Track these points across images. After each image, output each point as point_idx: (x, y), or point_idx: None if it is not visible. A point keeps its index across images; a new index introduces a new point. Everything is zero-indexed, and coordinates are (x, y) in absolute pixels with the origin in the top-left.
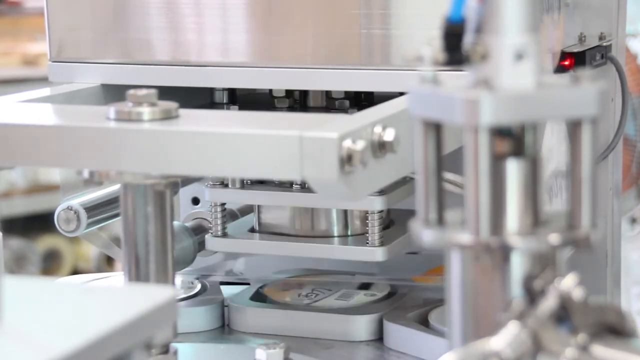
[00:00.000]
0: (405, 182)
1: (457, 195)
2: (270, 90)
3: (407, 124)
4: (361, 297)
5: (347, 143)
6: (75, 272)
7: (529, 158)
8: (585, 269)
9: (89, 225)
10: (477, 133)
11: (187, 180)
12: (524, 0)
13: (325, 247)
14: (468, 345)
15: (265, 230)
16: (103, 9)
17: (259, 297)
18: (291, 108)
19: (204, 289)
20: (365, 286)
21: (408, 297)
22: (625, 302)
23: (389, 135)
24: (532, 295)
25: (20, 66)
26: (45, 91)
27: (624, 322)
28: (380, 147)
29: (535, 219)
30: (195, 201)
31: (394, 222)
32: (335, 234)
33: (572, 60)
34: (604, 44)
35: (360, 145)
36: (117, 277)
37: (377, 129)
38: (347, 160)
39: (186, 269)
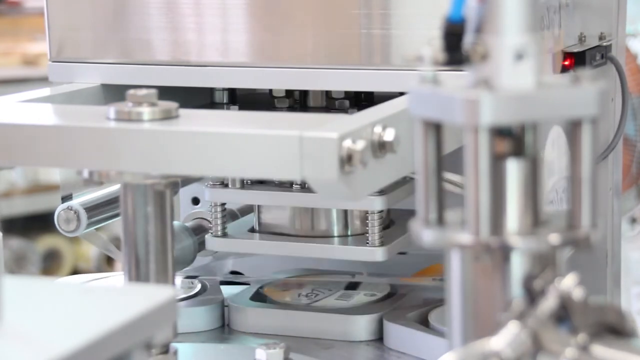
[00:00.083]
0: (405, 182)
1: (457, 195)
2: (270, 90)
3: (407, 124)
4: (361, 297)
5: (347, 143)
6: (75, 272)
7: (529, 158)
8: (585, 269)
9: (89, 225)
10: (477, 133)
11: (187, 180)
12: (524, 0)
13: (325, 247)
14: (468, 345)
15: (265, 230)
16: (103, 9)
17: (259, 297)
18: (291, 108)
19: (204, 289)
20: (352, 286)
21: (408, 297)
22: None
23: (389, 135)
24: (532, 295)
25: (20, 66)
26: (45, 91)
27: (624, 322)
28: (380, 147)
29: (535, 219)
30: (195, 201)
31: (394, 222)
32: (335, 234)
33: (572, 60)
34: (604, 44)
35: (360, 145)
36: (117, 277)
37: (377, 129)
38: (347, 160)
39: (186, 268)
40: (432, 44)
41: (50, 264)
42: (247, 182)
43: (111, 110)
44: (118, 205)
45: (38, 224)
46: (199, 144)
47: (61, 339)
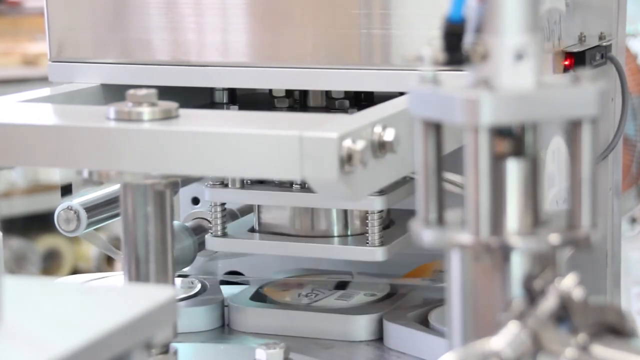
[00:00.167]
0: (405, 182)
1: (457, 195)
2: (270, 90)
3: (407, 124)
4: (361, 297)
5: (347, 143)
6: (75, 272)
7: (529, 158)
8: (585, 269)
9: (89, 225)
10: (477, 133)
11: (187, 180)
12: (524, 0)
13: (325, 247)
14: (468, 345)
15: (265, 230)
16: (103, 9)
17: (259, 297)
18: (291, 108)
19: (204, 289)
20: (341, 286)
21: (408, 297)
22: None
23: (389, 135)
24: (532, 295)
25: (20, 66)
26: (45, 91)
27: (624, 322)
28: (380, 147)
29: (535, 219)
30: (195, 201)
31: (394, 222)
32: (335, 234)
33: (572, 60)
34: (604, 44)
35: (360, 145)
36: (117, 277)
37: (377, 129)
38: (347, 160)
39: (186, 268)
40: (432, 44)
41: (50, 264)
42: (247, 182)
43: (111, 110)
44: (118, 205)
45: (38, 224)
46: (199, 144)
47: (61, 339)
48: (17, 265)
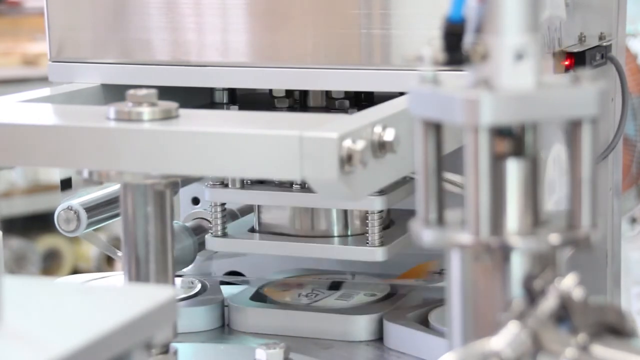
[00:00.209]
0: (405, 182)
1: (457, 195)
2: (270, 90)
3: (407, 124)
4: (361, 297)
5: (347, 143)
6: (75, 272)
7: (529, 158)
8: (585, 269)
9: (89, 225)
10: (477, 133)
11: (187, 180)
12: (524, 0)
13: (325, 247)
14: (468, 345)
15: (265, 230)
16: (103, 9)
17: (259, 297)
18: (291, 108)
19: (204, 289)
20: (335, 286)
21: (408, 297)
22: (625, 302)
23: (389, 135)
24: (532, 295)
25: (20, 66)
26: (45, 91)
27: (624, 322)
28: (380, 147)
29: (535, 219)
30: (195, 201)
31: (394, 222)
32: (335, 234)
33: (572, 60)
34: (604, 44)
35: (360, 145)
36: (117, 277)
37: (377, 129)
38: (347, 160)
39: (186, 268)
40: (432, 44)
41: (50, 264)
42: (247, 182)
43: (111, 110)
44: (118, 205)
45: (38, 224)
46: (199, 144)
47: (61, 339)
48: (17, 265)
